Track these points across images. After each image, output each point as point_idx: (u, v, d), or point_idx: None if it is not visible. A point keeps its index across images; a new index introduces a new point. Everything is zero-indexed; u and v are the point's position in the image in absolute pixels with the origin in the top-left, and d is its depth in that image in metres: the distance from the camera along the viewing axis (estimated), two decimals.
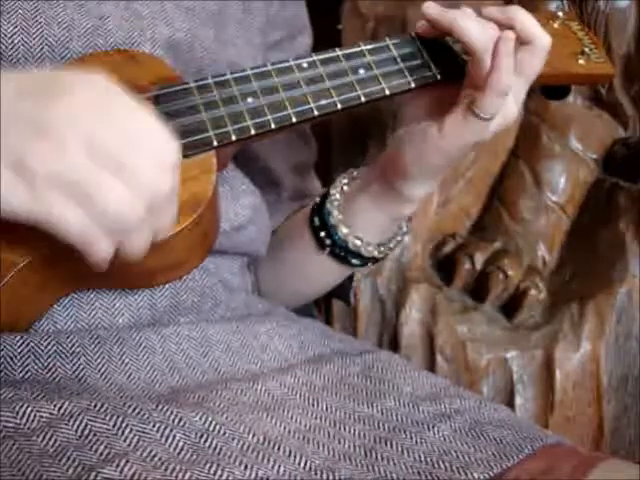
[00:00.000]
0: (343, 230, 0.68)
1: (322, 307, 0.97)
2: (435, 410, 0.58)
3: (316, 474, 0.48)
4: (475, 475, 0.50)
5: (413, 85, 0.60)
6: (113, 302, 0.57)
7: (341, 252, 0.69)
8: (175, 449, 0.46)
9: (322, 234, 0.69)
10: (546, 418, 0.91)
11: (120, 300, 0.57)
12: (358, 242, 0.68)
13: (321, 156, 0.85)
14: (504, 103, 0.58)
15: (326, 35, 0.74)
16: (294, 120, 0.56)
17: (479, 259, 0.96)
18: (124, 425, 0.46)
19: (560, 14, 0.70)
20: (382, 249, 0.69)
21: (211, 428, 0.48)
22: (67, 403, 0.47)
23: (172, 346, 0.57)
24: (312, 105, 0.57)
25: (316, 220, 0.70)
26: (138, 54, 0.57)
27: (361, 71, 0.59)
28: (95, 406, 0.47)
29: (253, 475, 0.45)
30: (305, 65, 0.58)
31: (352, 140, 1.00)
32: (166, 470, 0.43)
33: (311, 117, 0.57)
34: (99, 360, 0.53)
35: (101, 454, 0.44)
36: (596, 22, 0.97)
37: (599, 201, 1.00)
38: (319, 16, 0.82)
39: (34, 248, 0.48)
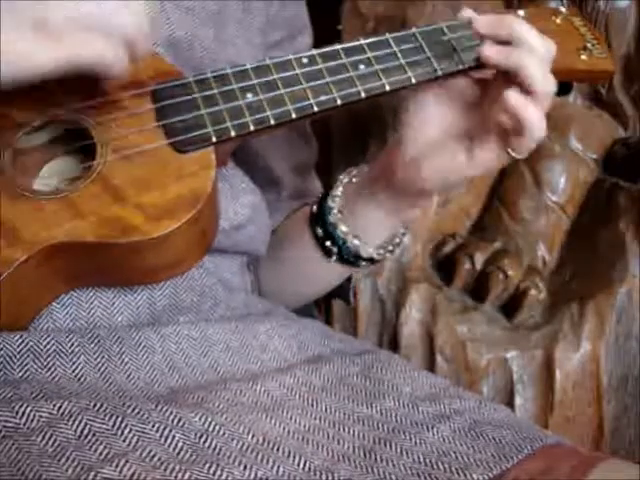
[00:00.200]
0: (342, 229, 0.68)
1: (322, 307, 0.97)
2: (434, 410, 0.58)
3: (315, 475, 0.47)
4: (474, 476, 0.49)
5: (414, 81, 0.60)
6: (112, 300, 0.57)
7: (345, 255, 0.69)
8: (174, 449, 0.46)
9: (328, 243, 0.69)
10: (546, 418, 0.91)
11: (119, 299, 0.57)
12: (357, 242, 0.68)
13: (322, 154, 0.85)
14: None
15: (326, 35, 0.73)
16: (294, 116, 0.56)
17: (479, 259, 0.96)
18: (123, 425, 0.46)
19: (562, 10, 0.69)
20: (381, 251, 0.70)
21: (210, 428, 0.48)
22: (66, 403, 0.46)
23: (171, 345, 0.56)
24: (312, 101, 0.57)
25: (320, 231, 0.70)
26: None
27: (361, 66, 0.59)
28: (94, 406, 0.47)
29: (252, 475, 0.45)
30: (305, 60, 0.58)
31: (352, 138, 1.00)
32: (165, 470, 0.43)
33: (311, 113, 0.57)
34: (98, 359, 0.53)
35: (100, 454, 0.44)
36: (596, 22, 0.97)
37: (599, 201, 1.00)
38: (319, 16, 0.82)
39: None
